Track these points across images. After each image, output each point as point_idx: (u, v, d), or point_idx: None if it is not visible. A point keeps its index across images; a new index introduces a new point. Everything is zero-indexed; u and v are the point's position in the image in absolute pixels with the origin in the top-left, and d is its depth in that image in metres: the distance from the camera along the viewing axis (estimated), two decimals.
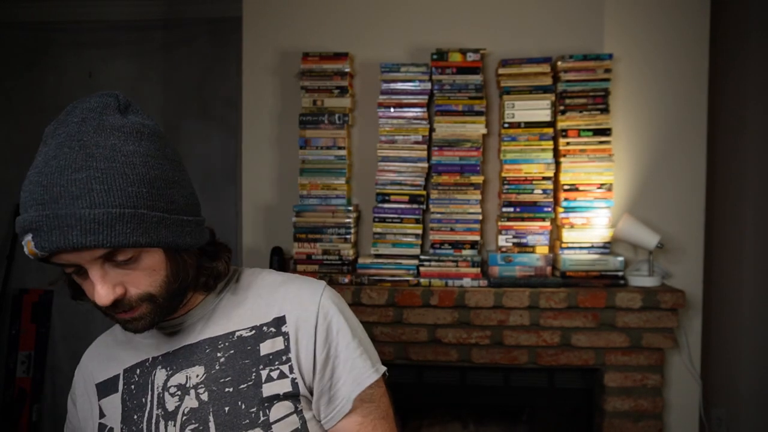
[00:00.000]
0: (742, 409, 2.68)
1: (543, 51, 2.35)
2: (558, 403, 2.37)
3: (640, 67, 2.34)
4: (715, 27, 2.40)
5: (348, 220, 2.32)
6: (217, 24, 3.19)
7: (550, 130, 2.27)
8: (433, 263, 2.26)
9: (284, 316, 0.91)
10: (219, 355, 0.89)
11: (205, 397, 0.87)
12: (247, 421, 0.85)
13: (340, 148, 2.34)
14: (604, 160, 2.24)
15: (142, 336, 0.92)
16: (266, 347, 0.89)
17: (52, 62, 3.35)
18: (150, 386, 0.90)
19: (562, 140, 2.25)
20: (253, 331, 0.90)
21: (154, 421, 0.89)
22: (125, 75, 3.31)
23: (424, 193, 2.32)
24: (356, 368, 0.91)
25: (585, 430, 2.35)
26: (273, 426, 0.86)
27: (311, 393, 0.90)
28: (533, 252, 2.27)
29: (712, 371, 2.61)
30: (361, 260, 2.30)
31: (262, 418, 0.85)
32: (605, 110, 2.25)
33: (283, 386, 0.88)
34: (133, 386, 0.92)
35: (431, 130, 2.32)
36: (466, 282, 2.23)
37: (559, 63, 2.27)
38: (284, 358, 0.89)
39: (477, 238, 2.29)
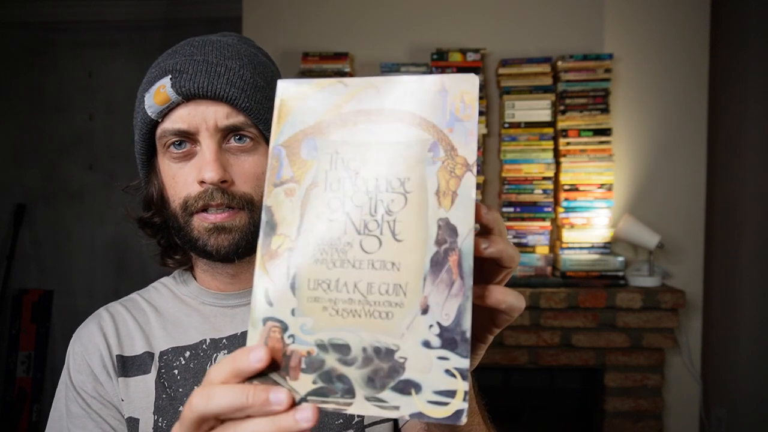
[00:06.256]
0: (742, 409, 2.68)
1: (543, 51, 2.35)
2: (558, 403, 2.37)
3: (640, 67, 2.34)
4: (715, 27, 2.40)
5: None
6: (217, 24, 3.18)
7: (550, 130, 2.27)
8: None
9: None
10: None
11: None
12: (341, 420, 0.75)
13: None
14: (604, 160, 2.24)
15: (187, 314, 0.80)
16: None
17: (52, 62, 3.34)
18: None
19: (562, 140, 2.25)
20: None
21: None
22: (125, 75, 3.30)
23: None
24: None
25: (585, 431, 2.35)
26: (366, 430, 0.77)
27: None
28: (533, 252, 2.27)
29: (712, 371, 2.60)
30: None
31: (356, 419, 0.76)
32: (605, 110, 2.25)
33: None
34: (176, 371, 0.76)
35: None
36: None
37: (559, 63, 2.27)
38: None
39: None
